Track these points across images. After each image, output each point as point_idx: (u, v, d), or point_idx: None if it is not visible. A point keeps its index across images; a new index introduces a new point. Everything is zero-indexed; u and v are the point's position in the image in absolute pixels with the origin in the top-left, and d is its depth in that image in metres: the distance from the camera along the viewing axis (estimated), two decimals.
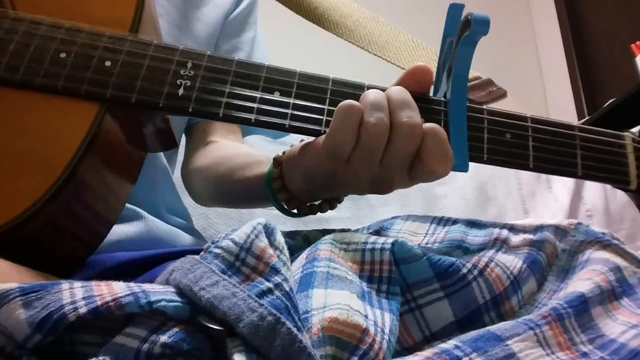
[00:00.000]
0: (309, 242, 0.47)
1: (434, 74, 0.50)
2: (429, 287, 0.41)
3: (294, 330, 0.31)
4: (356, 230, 0.50)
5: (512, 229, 0.47)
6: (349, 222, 1.03)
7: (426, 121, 0.46)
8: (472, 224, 0.48)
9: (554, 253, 0.45)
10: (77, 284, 0.33)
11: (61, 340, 0.32)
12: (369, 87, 0.48)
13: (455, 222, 0.49)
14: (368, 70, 0.88)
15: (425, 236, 0.48)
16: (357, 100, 0.46)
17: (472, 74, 0.60)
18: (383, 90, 0.47)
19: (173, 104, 0.47)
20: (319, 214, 0.54)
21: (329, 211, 0.55)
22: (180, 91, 0.47)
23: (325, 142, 0.45)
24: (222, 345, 0.32)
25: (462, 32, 0.45)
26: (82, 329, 0.33)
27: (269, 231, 0.38)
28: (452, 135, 0.46)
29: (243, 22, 0.80)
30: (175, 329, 0.32)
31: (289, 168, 0.52)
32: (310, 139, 0.49)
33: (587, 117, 0.62)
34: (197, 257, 0.35)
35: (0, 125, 0.45)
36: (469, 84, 0.57)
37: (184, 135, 0.79)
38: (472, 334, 0.35)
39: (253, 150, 0.73)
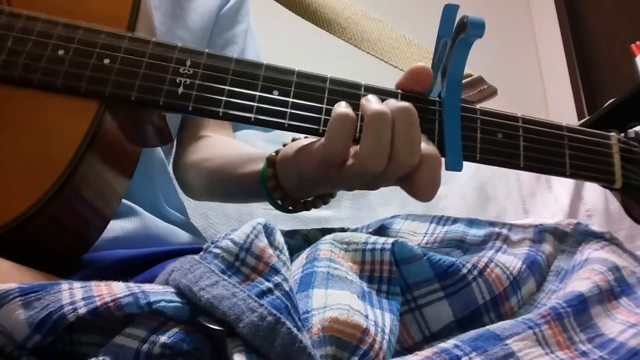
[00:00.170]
0: (309, 242, 0.47)
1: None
2: (429, 287, 0.41)
3: (294, 330, 0.31)
4: (356, 230, 0.50)
5: (512, 229, 0.47)
6: (349, 222, 1.03)
7: (421, 120, 0.46)
8: (472, 223, 0.48)
9: (553, 253, 0.45)
10: (77, 284, 0.33)
11: (61, 340, 0.32)
12: (365, 87, 0.49)
13: (455, 221, 0.49)
14: (364, 67, 0.88)
15: (425, 236, 0.48)
16: (354, 100, 0.47)
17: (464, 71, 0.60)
18: (384, 93, 0.47)
19: (173, 103, 0.47)
20: (319, 214, 0.55)
21: (329, 211, 0.55)
22: (180, 89, 0.47)
23: (320, 149, 0.47)
24: (222, 346, 0.32)
25: (458, 34, 0.45)
26: (82, 330, 0.32)
27: (268, 231, 0.38)
28: (446, 135, 0.47)
29: (235, 15, 0.80)
30: (175, 329, 0.32)
31: (283, 168, 0.54)
32: (304, 139, 0.49)
33: (587, 117, 0.62)
34: (196, 257, 0.35)
35: (0, 124, 0.45)
36: None
37: None
38: (472, 333, 0.35)
39: (245, 146, 0.73)
